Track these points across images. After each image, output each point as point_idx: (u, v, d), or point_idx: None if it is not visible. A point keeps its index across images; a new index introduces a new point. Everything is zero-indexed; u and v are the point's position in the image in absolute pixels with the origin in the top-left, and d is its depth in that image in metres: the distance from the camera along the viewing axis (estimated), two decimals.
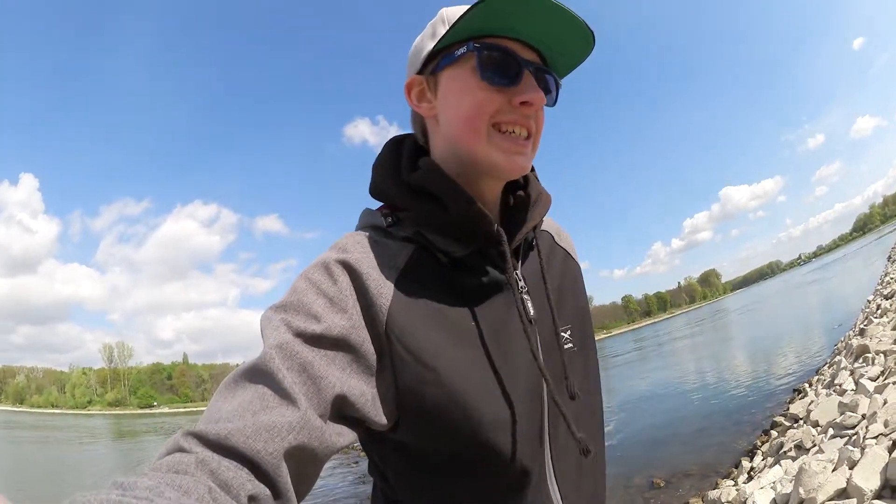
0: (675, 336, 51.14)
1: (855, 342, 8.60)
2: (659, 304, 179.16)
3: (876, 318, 9.89)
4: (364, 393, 0.72)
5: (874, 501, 3.21)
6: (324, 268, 0.77)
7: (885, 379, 5.31)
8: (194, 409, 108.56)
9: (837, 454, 3.98)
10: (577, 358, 0.92)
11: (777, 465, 5.48)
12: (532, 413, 0.82)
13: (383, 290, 0.76)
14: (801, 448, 5.44)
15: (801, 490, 3.72)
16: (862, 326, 10.78)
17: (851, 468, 3.65)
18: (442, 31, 0.82)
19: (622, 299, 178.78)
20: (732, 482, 6.58)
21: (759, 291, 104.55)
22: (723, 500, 5.18)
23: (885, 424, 4.01)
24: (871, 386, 5.19)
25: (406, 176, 0.85)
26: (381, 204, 0.90)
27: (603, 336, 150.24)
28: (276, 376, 0.65)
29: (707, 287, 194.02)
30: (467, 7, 0.76)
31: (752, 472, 6.50)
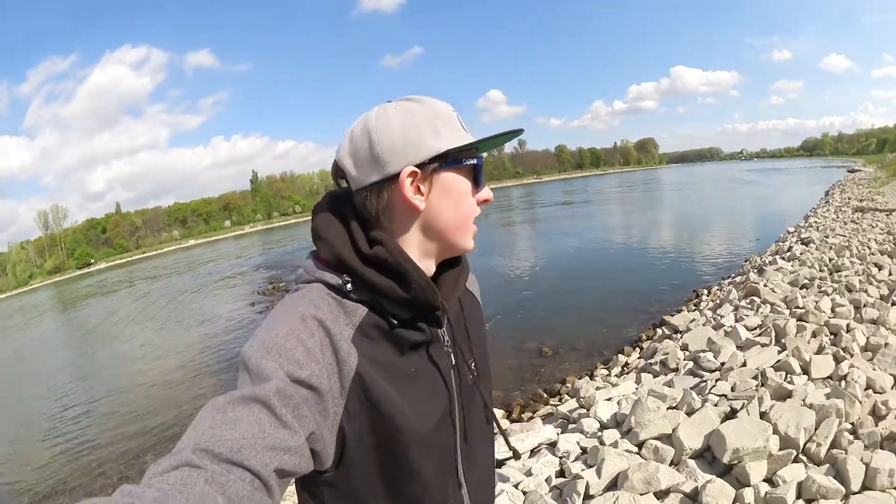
0: (604, 196, 51.75)
1: (751, 277, 8.84)
2: (592, 159, 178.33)
3: (782, 259, 10.03)
4: (325, 433, 0.80)
5: (688, 460, 3.38)
6: (301, 320, 0.83)
7: (758, 335, 5.45)
8: (130, 259, 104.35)
9: (681, 395, 4.23)
10: (479, 382, 1.06)
11: (633, 377, 5.90)
12: (449, 434, 0.99)
13: (348, 348, 0.85)
14: (665, 366, 5.73)
15: (632, 419, 3.93)
16: (766, 261, 10.96)
17: (689, 414, 3.90)
18: (444, 131, 0.91)
19: (556, 148, 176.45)
20: (606, 372, 7.10)
21: (695, 171, 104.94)
22: (582, 395, 5.50)
23: (732, 388, 4.21)
24: (742, 336, 5.36)
25: (364, 249, 0.90)
26: (316, 253, 0.96)
27: (532, 181, 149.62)
28: (273, 406, 0.71)
29: (643, 154, 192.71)
30: (450, 114, 0.94)
31: (624, 369, 6.95)
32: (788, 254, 10.51)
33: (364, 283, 0.90)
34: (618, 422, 4.35)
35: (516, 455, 4.41)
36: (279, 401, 0.73)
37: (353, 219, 0.94)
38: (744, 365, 4.59)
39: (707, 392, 4.27)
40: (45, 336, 25.66)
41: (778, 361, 4.49)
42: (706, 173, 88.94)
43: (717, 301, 8.47)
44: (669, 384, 4.91)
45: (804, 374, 4.33)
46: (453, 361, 1.02)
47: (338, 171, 0.97)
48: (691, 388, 4.44)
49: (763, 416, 3.61)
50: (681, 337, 6.59)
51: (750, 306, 6.83)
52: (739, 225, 20.62)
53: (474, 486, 1.06)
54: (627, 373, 6.54)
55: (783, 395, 3.88)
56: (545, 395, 6.91)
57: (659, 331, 8.03)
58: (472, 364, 1.06)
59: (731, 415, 3.78)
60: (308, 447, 0.76)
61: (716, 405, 3.97)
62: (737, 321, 6.25)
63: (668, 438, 3.69)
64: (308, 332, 0.82)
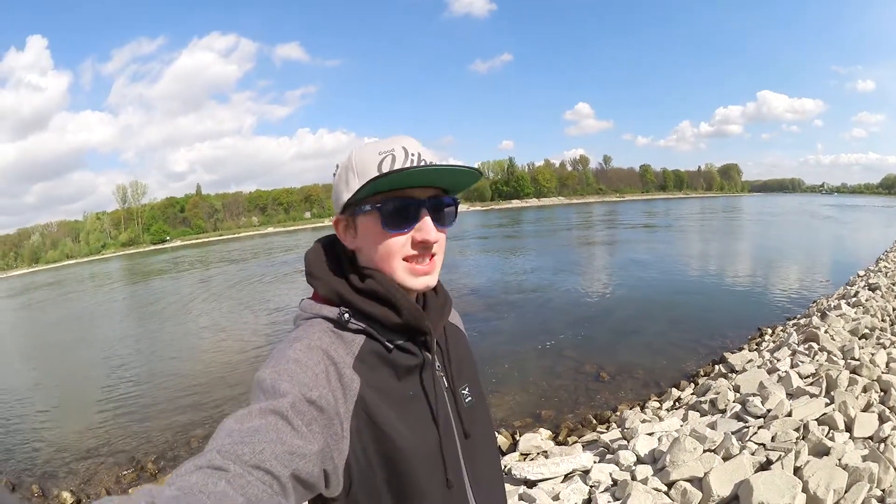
0: (686, 221, 49.95)
1: (813, 321, 8.52)
2: (676, 181, 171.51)
3: (847, 304, 9.58)
4: (333, 453, 0.86)
5: None
6: (307, 350, 0.91)
7: (810, 384, 5.30)
8: (206, 241, 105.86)
9: (721, 439, 4.21)
10: (476, 406, 1.15)
11: (682, 414, 5.82)
12: (451, 454, 1.04)
13: (351, 374, 0.93)
14: (713, 406, 5.66)
15: (668, 457, 3.93)
16: (831, 304, 10.48)
17: (725, 460, 3.89)
18: (354, 183, 0.99)
19: (640, 167, 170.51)
20: (658, 404, 7.01)
21: (776, 202, 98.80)
22: (626, 427, 5.53)
23: (773, 438, 4.13)
24: (794, 384, 5.23)
25: (357, 283, 1.00)
26: (313, 294, 1.06)
27: (615, 199, 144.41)
28: (289, 417, 0.78)
29: (726, 180, 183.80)
30: (371, 161, 0.99)
31: (676, 403, 6.83)
32: (854, 299, 10.06)
33: (361, 313, 0.99)
34: (654, 458, 4.36)
35: (528, 484, 4.47)
36: (294, 413, 0.79)
37: (343, 258, 1.06)
38: (789, 415, 4.48)
39: (747, 439, 4.20)
40: (113, 304, 26.75)
41: (823, 415, 4.36)
42: (787, 205, 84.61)
43: (777, 343, 8.19)
44: (713, 426, 4.84)
45: (847, 431, 4.20)
46: (446, 384, 1.10)
47: None
48: (733, 433, 4.37)
49: (797, 471, 3.57)
50: (735, 377, 6.45)
51: (807, 352, 6.61)
52: (814, 262, 19.66)
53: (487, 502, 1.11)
54: (678, 408, 6.45)
55: (821, 452, 3.80)
56: (594, 422, 6.89)
57: (717, 368, 7.84)
58: (467, 389, 1.15)
59: (767, 465, 3.74)
60: (322, 460, 0.81)
61: (753, 454, 3.92)
62: (792, 367, 6.09)
63: (698, 482, 3.72)
64: (314, 361, 0.89)
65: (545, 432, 6.57)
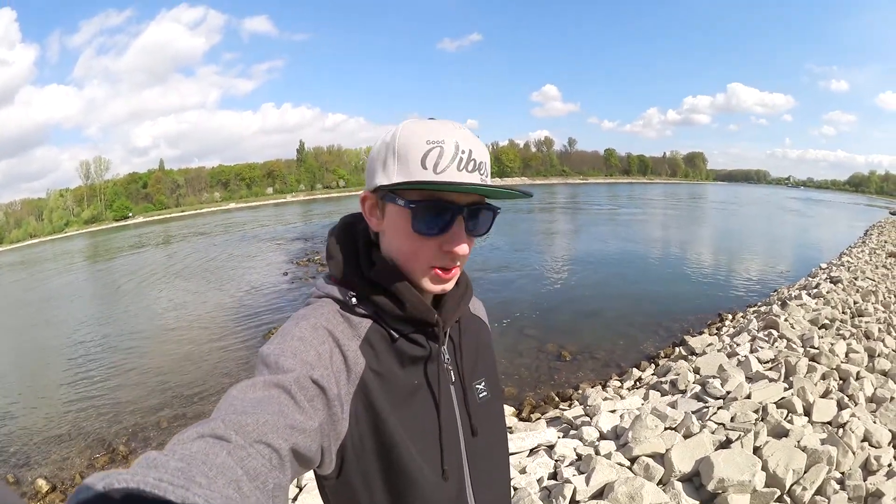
0: (647, 206, 50.33)
1: (773, 309, 8.66)
2: (640, 166, 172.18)
3: (808, 295, 9.76)
4: (330, 432, 0.83)
5: (676, 482, 3.42)
6: (313, 329, 0.87)
7: (769, 369, 5.36)
8: (168, 216, 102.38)
9: (682, 418, 4.22)
10: (490, 402, 1.09)
11: (642, 393, 5.86)
12: (453, 449, 0.99)
13: (356, 356, 0.89)
14: (674, 386, 5.70)
15: (630, 434, 3.96)
16: (791, 294, 10.69)
17: (686, 438, 3.92)
18: (392, 167, 0.89)
19: (605, 151, 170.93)
20: (619, 384, 7.06)
21: (740, 192, 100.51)
22: (588, 404, 5.53)
23: (732, 418, 4.16)
24: (753, 368, 5.30)
25: (366, 271, 0.95)
26: (330, 276, 1.00)
27: (578, 181, 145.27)
28: (292, 392, 0.76)
29: (691, 167, 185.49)
30: (417, 149, 0.87)
31: (637, 383, 6.88)
32: (815, 290, 10.25)
33: (366, 299, 0.95)
34: (617, 434, 4.40)
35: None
36: (297, 388, 0.76)
37: (361, 241, 1.00)
38: (748, 397, 4.53)
39: (707, 418, 4.23)
40: (76, 284, 25.90)
41: (782, 399, 4.41)
42: (752, 195, 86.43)
43: (737, 328, 8.32)
44: (674, 405, 4.90)
45: (805, 415, 4.25)
46: (453, 378, 1.03)
47: None
48: (693, 412, 4.41)
49: (756, 450, 3.61)
50: (695, 360, 6.51)
51: (767, 339, 6.72)
52: (777, 253, 20.06)
53: (485, 503, 1.06)
54: (639, 388, 6.50)
55: (780, 434, 3.84)
56: (557, 399, 6.93)
57: (678, 350, 7.93)
58: (482, 384, 1.09)
59: (726, 444, 3.76)
60: (320, 436, 0.79)
61: (713, 433, 3.95)
62: (751, 352, 6.16)
63: (660, 458, 3.72)
64: (319, 340, 0.86)
65: (508, 409, 6.56)
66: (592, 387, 6.94)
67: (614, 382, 7.16)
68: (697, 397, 5.00)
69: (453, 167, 0.87)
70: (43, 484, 6.40)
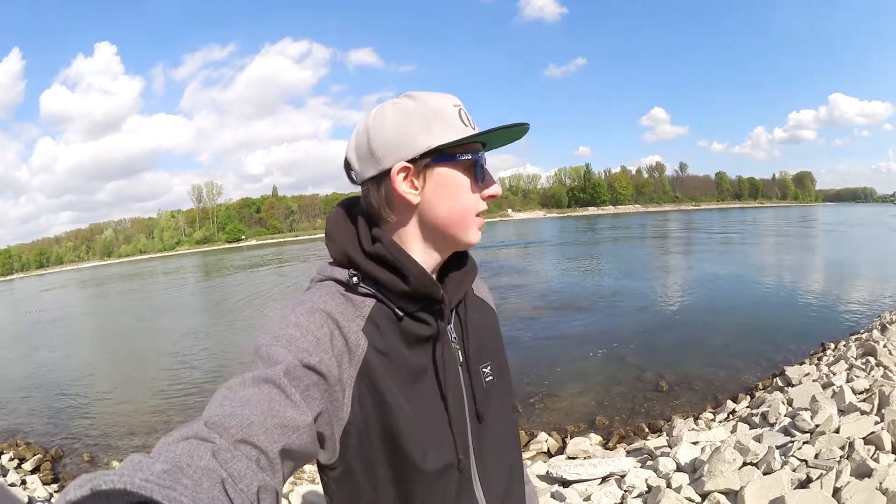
0: (759, 231, 47.20)
1: (873, 335, 7.93)
2: (751, 189, 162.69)
3: None
4: (332, 418, 0.83)
5: None
6: (310, 313, 0.87)
7: (863, 399, 4.92)
8: (281, 240, 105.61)
9: (765, 452, 3.99)
10: (496, 387, 1.08)
11: (729, 426, 5.55)
12: (460, 432, 0.98)
13: (357, 338, 0.89)
14: (764, 419, 5.36)
15: (706, 467, 3.77)
16: (892, 319, 9.71)
17: (766, 474, 3.69)
18: (438, 128, 0.92)
19: (716, 175, 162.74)
20: (712, 416, 6.70)
21: (849, 212, 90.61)
22: (671, 434, 5.32)
23: (816, 455, 3.88)
24: (847, 399, 4.89)
25: (367, 246, 0.94)
26: (333, 259, 1.01)
27: (691, 207, 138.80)
28: (282, 385, 0.74)
29: (800, 188, 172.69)
30: (450, 111, 0.94)
31: (730, 416, 6.49)
32: None
33: (369, 277, 0.93)
34: (694, 467, 4.21)
35: (563, 483, 4.40)
36: (288, 381, 0.75)
37: (360, 219, 0.98)
38: (837, 431, 4.18)
39: (791, 454, 3.96)
40: (186, 298, 27.66)
41: (871, 433, 4.04)
42: (859, 215, 79.10)
43: (837, 357, 7.69)
44: (759, 438, 4.59)
45: (893, 452, 3.86)
46: (461, 359, 1.02)
47: (347, 164, 1.00)
48: (777, 447, 4.14)
49: (836, 492, 3.34)
50: (789, 391, 6.07)
51: (864, 367, 6.18)
52: (885, 277, 18.20)
53: (493, 490, 1.03)
54: (731, 420, 6.14)
55: (864, 473, 3.51)
56: (647, 430, 6.61)
57: (775, 381, 7.39)
58: (488, 367, 1.07)
59: (806, 483, 3.52)
60: (315, 429, 0.77)
61: (794, 470, 3.70)
62: (847, 381, 5.70)
63: (734, 495, 3.56)
64: (317, 324, 0.85)
65: (595, 437, 6.41)
66: (684, 419, 6.62)
67: (707, 414, 6.80)
68: (785, 430, 4.67)
69: (472, 121, 0.96)
70: (117, 465, 6.73)
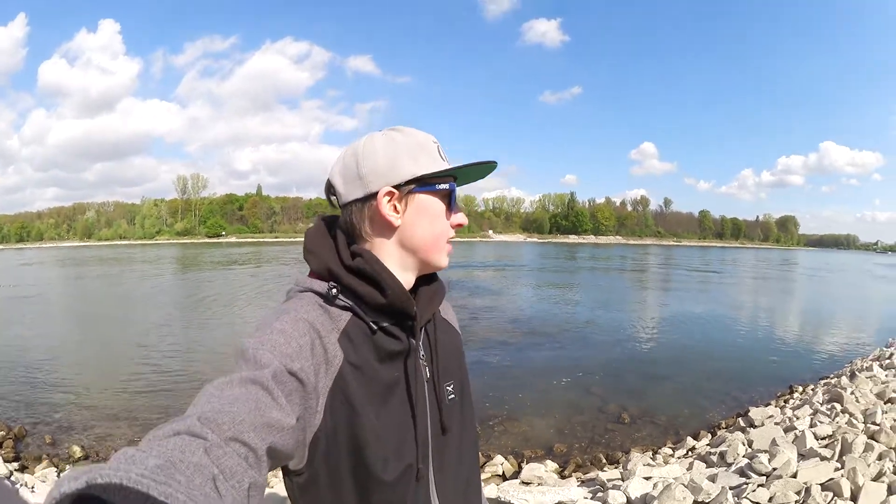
0: (738, 272, 47.24)
1: (841, 381, 7.81)
2: (733, 230, 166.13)
3: (879, 367, 8.74)
4: (305, 425, 0.84)
5: None
6: (293, 322, 0.88)
7: (824, 445, 4.75)
8: (261, 240, 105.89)
9: (717, 492, 3.81)
10: (457, 405, 1.11)
11: (686, 463, 5.37)
12: (422, 445, 1.00)
13: (335, 349, 0.91)
14: (722, 458, 5.18)
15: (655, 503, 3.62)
16: (861, 366, 9.58)
17: None
18: (423, 159, 0.99)
19: (699, 213, 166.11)
20: (671, 451, 6.53)
21: (830, 259, 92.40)
22: (626, 468, 5.13)
23: (770, 499, 3.72)
24: (808, 444, 4.70)
25: (347, 261, 0.98)
26: (312, 271, 1.03)
27: (672, 243, 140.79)
28: (270, 388, 0.75)
29: (783, 232, 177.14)
30: (431, 146, 1.01)
31: (689, 453, 6.32)
32: (888, 361, 9.28)
33: (348, 289, 0.96)
34: (644, 502, 4.02)
35: None
36: (275, 384, 0.76)
37: (339, 235, 1.01)
38: (794, 476, 4.01)
39: (744, 495, 3.80)
40: (160, 289, 27.27)
41: (830, 480, 3.86)
42: (840, 261, 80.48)
43: (802, 401, 7.56)
44: (713, 478, 4.40)
45: (852, 500, 3.68)
46: (427, 375, 1.05)
47: (329, 187, 1.03)
48: (731, 488, 4.00)
49: None
50: (751, 431, 5.92)
51: (829, 413, 6.03)
52: (861, 323, 18.21)
53: (450, 502, 1.06)
54: (689, 457, 5.95)
55: None
56: (604, 461, 6.47)
57: (738, 421, 7.27)
58: (451, 386, 1.10)
59: None
60: (296, 431, 0.78)
61: None
62: (810, 426, 5.52)
63: None
64: (300, 332, 0.86)
65: (552, 465, 6.24)
66: (643, 452, 6.46)
67: (666, 450, 6.62)
68: (741, 472, 4.48)
69: (447, 157, 1.04)
70: (77, 450, 6.73)
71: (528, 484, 5.40)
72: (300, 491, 0.94)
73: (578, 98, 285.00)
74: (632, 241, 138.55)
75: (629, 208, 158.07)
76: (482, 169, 1.05)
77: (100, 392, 9.24)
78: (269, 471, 0.72)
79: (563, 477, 5.90)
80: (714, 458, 5.27)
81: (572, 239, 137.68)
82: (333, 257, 0.99)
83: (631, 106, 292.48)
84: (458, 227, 1.07)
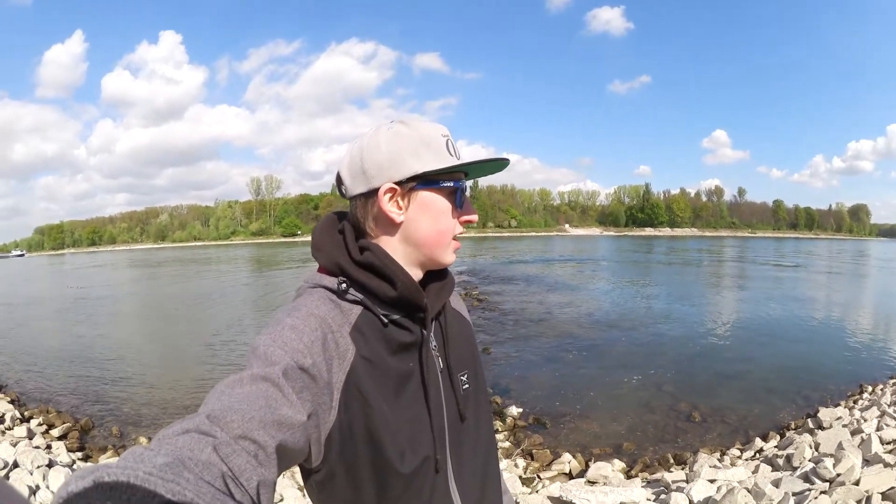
0: (814, 262, 45.01)
1: None
2: (807, 220, 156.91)
3: None
4: (319, 421, 0.84)
5: None
6: (304, 318, 0.88)
7: (888, 452, 4.66)
8: None
9: (780, 498, 3.88)
10: (472, 394, 1.11)
11: (752, 466, 5.40)
12: (438, 435, 1.00)
13: (347, 343, 0.91)
14: (788, 462, 5.18)
15: None
16: None
17: None
18: (427, 156, 0.97)
19: (773, 202, 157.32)
20: (738, 453, 6.50)
21: None
22: (691, 469, 5.21)
23: None
24: (873, 449, 4.67)
25: (356, 255, 0.97)
26: (321, 267, 1.03)
27: (747, 234, 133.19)
28: (280, 385, 0.75)
29: (855, 221, 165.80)
30: (439, 140, 0.99)
31: (757, 455, 6.27)
32: None
33: (358, 284, 0.96)
34: None
35: None
36: (286, 381, 0.76)
37: (348, 230, 1.02)
38: (857, 483, 4.02)
39: (805, 503, 3.83)
40: (235, 288, 28.15)
41: (891, 489, 3.85)
42: None
43: (872, 401, 7.35)
44: (777, 483, 4.40)
45: None
46: (441, 366, 1.05)
47: (337, 179, 1.04)
48: (794, 494, 4.01)
49: None
50: (818, 434, 5.85)
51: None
52: None
53: (469, 493, 1.05)
54: (756, 459, 5.93)
55: None
56: (671, 461, 6.48)
57: (808, 422, 7.15)
58: (465, 376, 1.10)
59: None
60: (308, 429, 0.79)
61: None
62: (877, 430, 5.43)
63: None
64: (311, 328, 0.87)
65: (619, 463, 6.31)
66: (710, 453, 6.46)
67: (734, 451, 6.58)
68: (805, 477, 4.48)
69: (458, 152, 1.02)
70: (144, 441, 6.78)
71: (593, 483, 5.52)
72: (318, 488, 0.93)
73: (647, 87, 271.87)
74: (707, 233, 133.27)
75: (704, 199, 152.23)
76: (492, 165, 1.06)
77: (170, 388, 9.78)
78: (282, 470, 0.73)
79: (629, 477, 5.96)
80: (780, 462, 5.28)
81: (648, 231, 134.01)
82: (342, 252, 0.99)
83: (701, 93, 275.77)
84: (466, 224, 1.05)
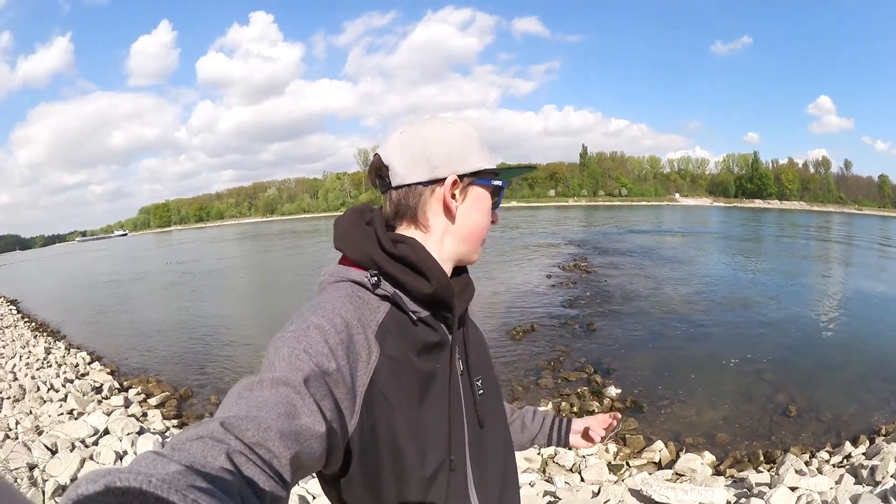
0: None
1: None
2: None
3: None
4: (340, 427, 0.79)
5: None
6: (329, 317, 0.84)
7: None
8: None
9: None
10: (487, 399, 1.08)
11: (837, 475, 5.31)
12: (458, 438, 0.97)
13: (371, 344, 0.87)
14: (872, 475, 5.08)
15: None
16: None
17: None
18: (485, 153, 1.01)
19: (879, 177, 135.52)
20: (827, 456, 6.39)
21: None
22: (776, 473, 5.33)
23: None
24: None
25: (389, 247, 0.93)
26: (342, 257, 1.00)
27: (853, 210, 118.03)
28: (301, 392, 0.72)
29: None
30: (483, 140, 1.03)
31: (845, 460, 6.15)
32: None
33: (390, 277, 0.92)
34: None
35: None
36: (307, 389, 0.73)
37: (378, 222, 0.97)
38: None
39: None
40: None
41: None
42: None
43: None
44: (856, 500, 4.34)
45: None
46: (461, 368, 1.02)
47: (379, 167, 0.99)
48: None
49: None
50: None
51: None
52: None
53: (488, 495, 1.03)
54: (843, 466, 5.87)
55: None
56: (761, 458, 6.52)
57: None
58: (480, 381, 1.07)
59: None
60: (327, 438, 0.75)
61: None
62: None
63: None
64: (336, 329, 0.82)
65: (709, 456, 6.37)
66: (801, 453, 6.45)
67: (823, 454, 6.49)
68: (884, 497, 4.32)
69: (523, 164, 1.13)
70: None
71: (680, 475, 5.62)
72: (336, 490, 0.90)
73: (750, 48, 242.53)
74: (815, 208, 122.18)
75: (811, 170, 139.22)
76: (524, 170, 1.13)
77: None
78: (297, 480, 0.70)
79: (717, 472, 6.01)
80: (864, 473, 5.18)
81: (757, 203, 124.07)
82: (373, 244, 0.94)
83: (804, 55, 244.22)
84: (491, 225, 1.07)
